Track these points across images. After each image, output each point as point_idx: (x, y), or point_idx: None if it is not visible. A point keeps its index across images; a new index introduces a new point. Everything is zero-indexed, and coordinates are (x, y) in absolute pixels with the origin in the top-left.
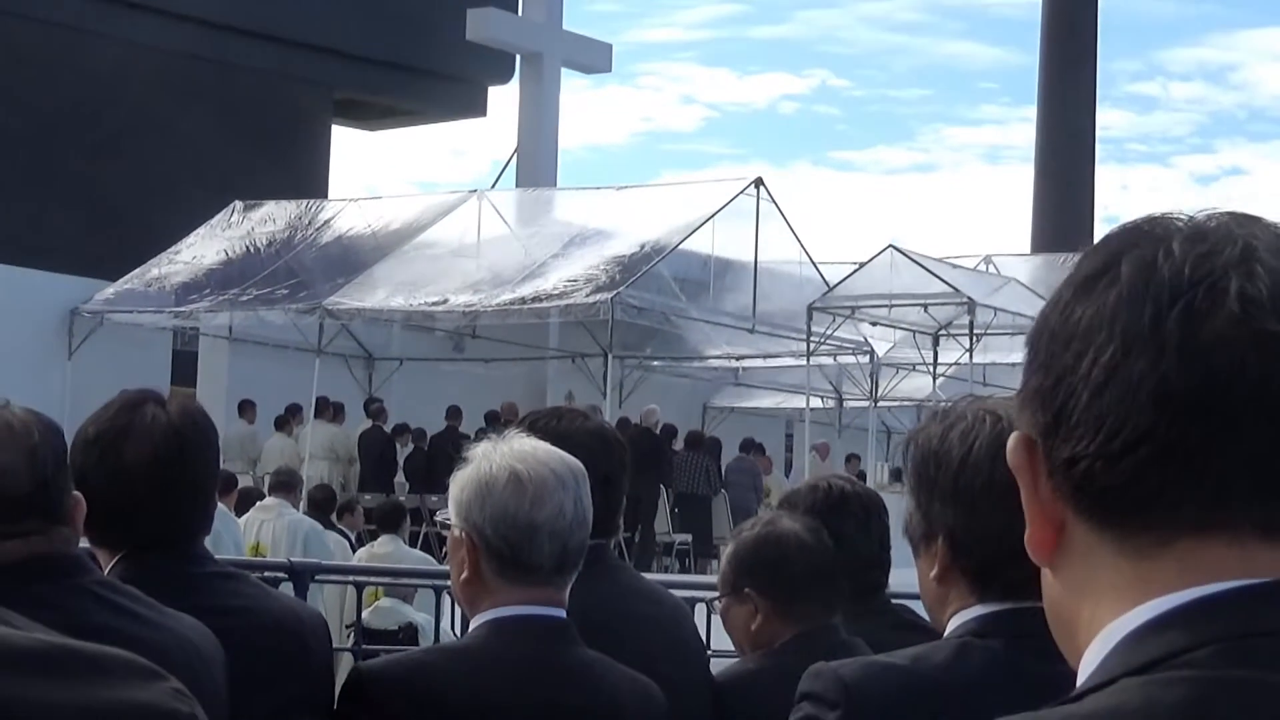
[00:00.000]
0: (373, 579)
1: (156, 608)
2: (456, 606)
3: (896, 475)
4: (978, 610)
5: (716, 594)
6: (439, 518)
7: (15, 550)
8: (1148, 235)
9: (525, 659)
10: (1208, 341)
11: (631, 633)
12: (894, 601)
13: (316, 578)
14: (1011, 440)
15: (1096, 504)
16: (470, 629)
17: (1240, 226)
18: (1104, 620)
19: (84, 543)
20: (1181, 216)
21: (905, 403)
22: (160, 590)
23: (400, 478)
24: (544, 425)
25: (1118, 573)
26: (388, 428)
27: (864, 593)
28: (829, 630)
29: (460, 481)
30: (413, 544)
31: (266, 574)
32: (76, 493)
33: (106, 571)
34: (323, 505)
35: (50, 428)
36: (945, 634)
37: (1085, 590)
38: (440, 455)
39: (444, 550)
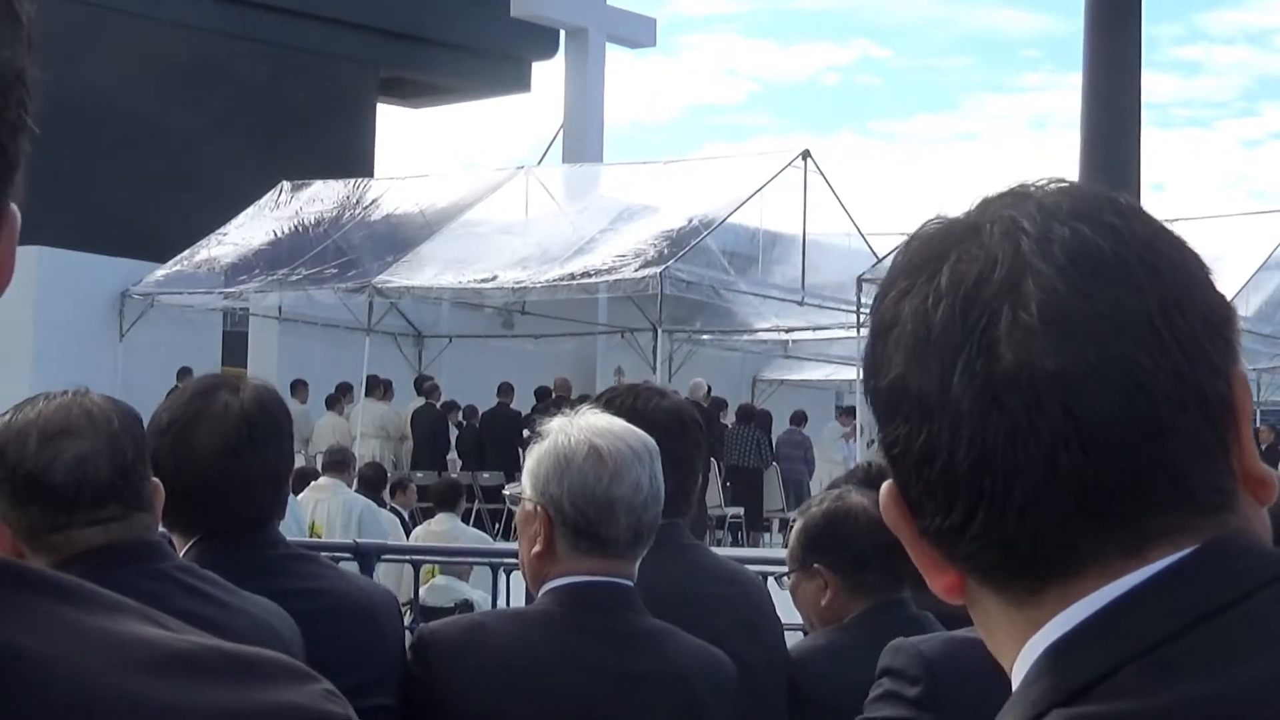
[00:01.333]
0: (434, 558)
1: (235, 591)
2: (514, 584)
3: None
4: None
5: (770, 567)
6: (508, 492)
7: (96, 537)
8: (927, 262)
9: (587, 623)
10: (996, 401)
11: (703, 612)
12: None
13: (382, 558)
14: (883, 497)
15: (965, 565)
16: (536, 600)
17: (1013, 215)
18: (1016, 647)
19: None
20: (960, 219)
21: None
22: (237, 574)
23: (452, 455)
24: (620, 403)
25: (1007, 617)
26: (439, 405)
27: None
28: (898, 605)
29: (537, 455)
30: (464, 521)
31: (332, 555)
32: (155, 479)
33: (182, 556)
34: (375, 483)
35: (129, 414)
36: None
37: (991, 628)
38: (492, 432)
39: (496, 526)
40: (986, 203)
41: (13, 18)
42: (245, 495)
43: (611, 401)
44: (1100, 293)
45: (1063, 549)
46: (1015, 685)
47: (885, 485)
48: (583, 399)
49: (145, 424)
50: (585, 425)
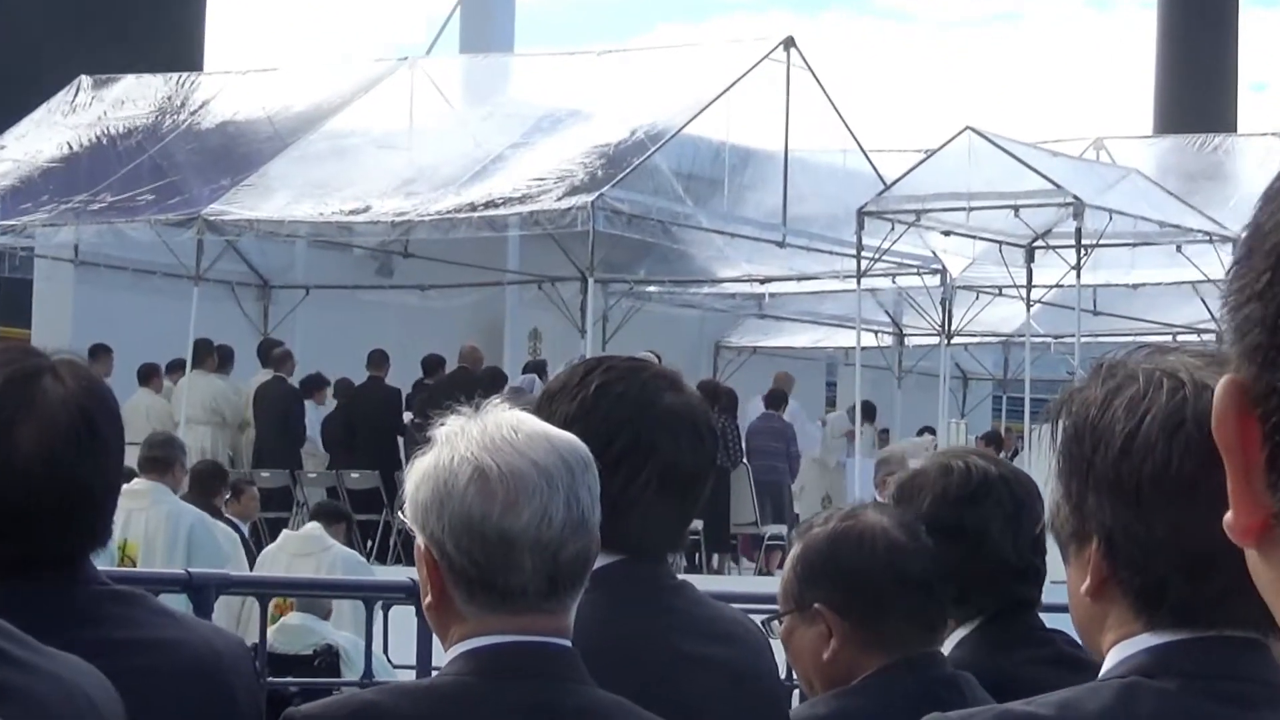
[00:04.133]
0: (291, 591)
1: (35, 648)
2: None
3: (991, 439)
4: (1146, 640)
5: (738, 605)
6: (402, 517)
7: None
8: None
9: (514, 698)
10: None
11: (682, 680)
12: (1053, 630)
13: (223, 591)
14: (1222, 401)
15: None
16: (444, 663)
17: None
18: None
19: None
20: None
21: (988, 339)
22: (40, 622)
23: (311, 445)
24: (615, 391)
25: None
26: (293, 380)
27: (1010, 613)
28: (927, 662)
29: (415, 476)
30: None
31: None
32: None
33: None
34: (210, 487)
35: None
36: (1103, 670)
37: None
38: (362, 417)
39: (369, 544)
40: None
41: None
42: (68, 517)
43: (598, 391)
44: None
45: None
46: None
47: (1224, 394)
48: (490, 379)
49: None
50: (477, 433)
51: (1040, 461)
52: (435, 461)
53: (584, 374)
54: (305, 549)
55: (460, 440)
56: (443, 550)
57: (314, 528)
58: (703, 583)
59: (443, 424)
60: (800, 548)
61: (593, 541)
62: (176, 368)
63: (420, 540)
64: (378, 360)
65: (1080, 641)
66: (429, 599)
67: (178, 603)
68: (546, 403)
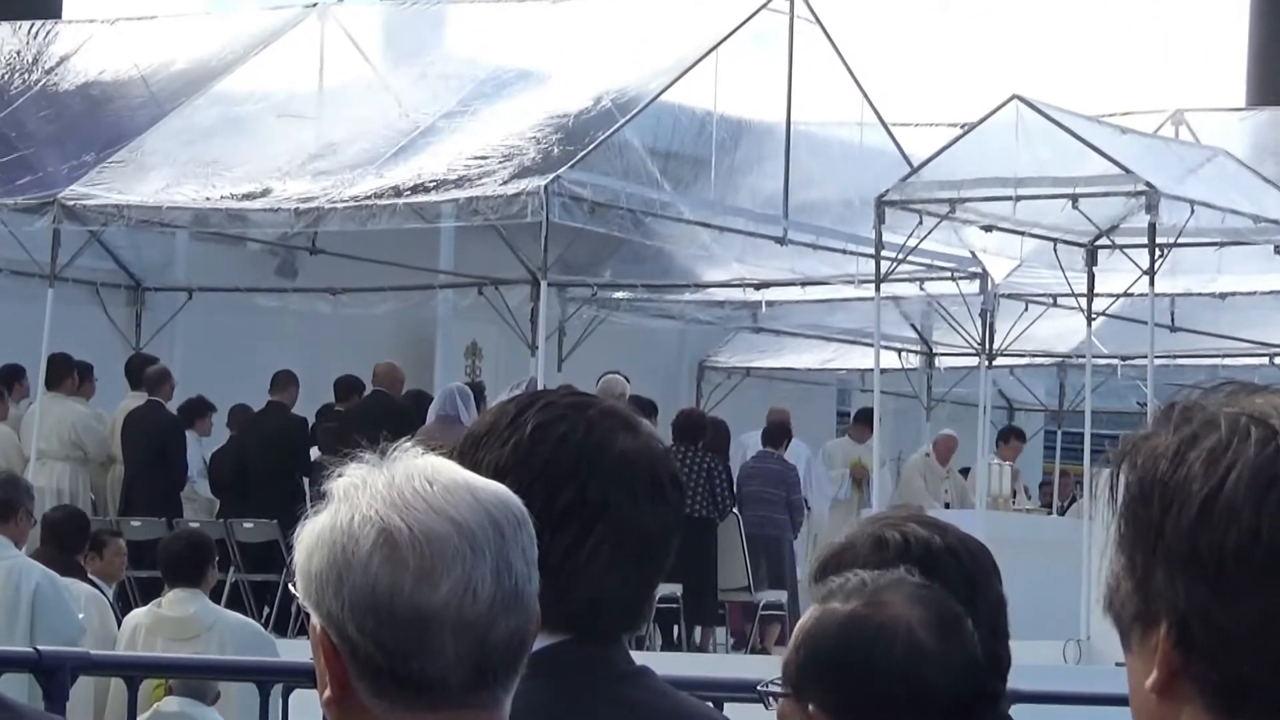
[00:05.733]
0: (171, 672)
1: None
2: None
3: (1010, 435)
4: None
5: (722, 694)
6: (294, 590)
7: None
8: None
9: None
10: None
11: None
12: None
13: (82, 672)
14: None
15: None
16: None
17: None
18: None
19: None
20: None
21: (1040, 360)
22: None
23: (196, 489)
24: (548, 434)
25: None
26: (171, 406)
27: (971, 712)
28: None
29: (307, 541)
30: (215, 599)
31: None
32: None
33: None
34: (67, 539)
35: None
36: None
37: None
38: (257, 452)
39: (266, 611)
40: None
41: None
42: None
43: (535, 433)
44: None
45: None
46: None
47: None
48: (412, 407)
49: None
50: (384, 487)
51: (1102, 515)
52: (331, 523)
53: (516, 413)
54: (185, 632)
55: (362, 496)
56: (343, 633)
57: (183, 600)
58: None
59: (340, 474)
60: (811, 623)
61: (529, 619)
62: (27, 389)
63: (315, 620)
64: (282, 382)
65: None
66: (328, 692)
67: (20, 687)
68: (471, 449)
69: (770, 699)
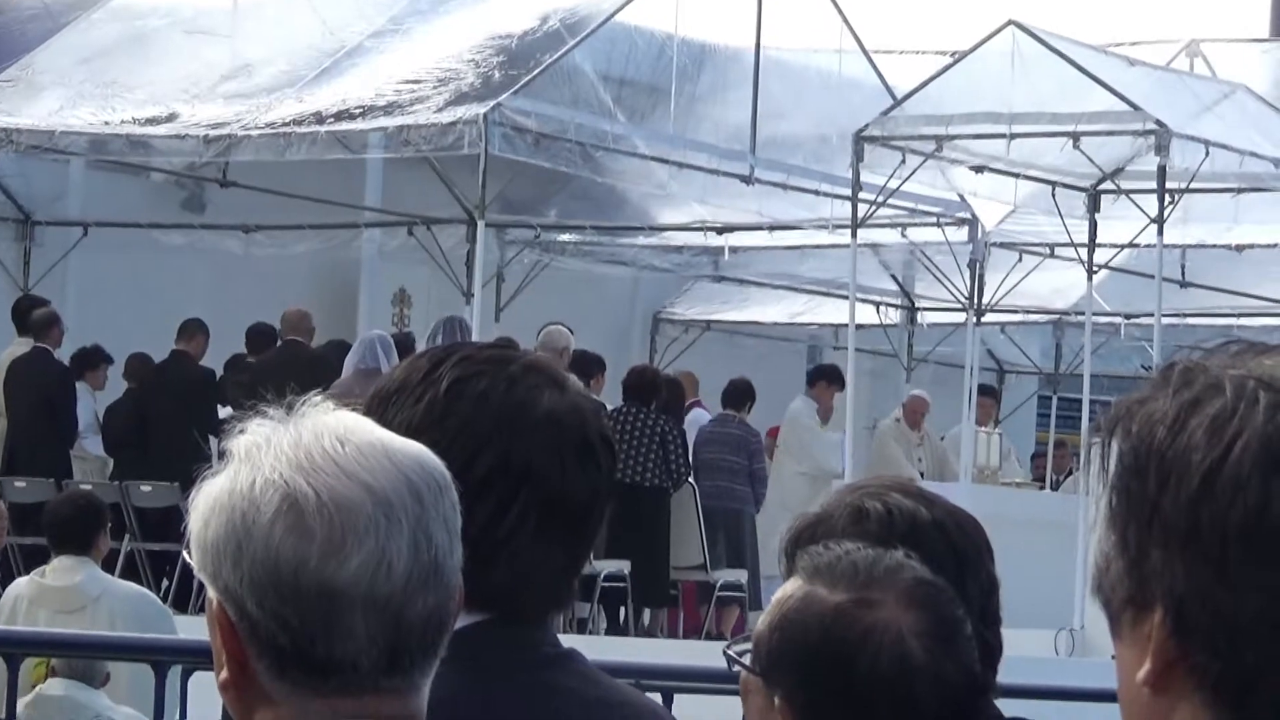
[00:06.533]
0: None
1: None
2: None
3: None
4: None
5: (675, 683)
6: (188, 559)
7: None
8: None
9: None
10: None
11: None
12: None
13: None
14: None
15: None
16: None
17: None
18: None
19: None
20: None
21: (1034, 317)
22: None
23: (87, 446)
24: (454, 389)
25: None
26: (61, 354)
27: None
28: None
29: (204, 506)
30: (108, 569)
31: None
32: None
33: None
34: None
35: None
36: None
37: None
38: (159, 408)
39: (165, 583)
40: None
41: None
42: None
43: (452, 390)
44: None
45: None
46: None
47: None
48: (330, 358)
49: None
50: (290, 445)
51: (1093, 488)
52: (231, 486)
53: (430, 367)
54: (70, 603)
55: (265, 456)
56: (242, 609)
57: (68, 568)
58: (627, 649)
59: (242, 431)
60: (793, 604)
61: (450, 596)
62: None
63: (212, 594)
64: (190, 331)
65: None
66: (224, 674)
67: None
68: (380, 408)
69: (735, 665)
